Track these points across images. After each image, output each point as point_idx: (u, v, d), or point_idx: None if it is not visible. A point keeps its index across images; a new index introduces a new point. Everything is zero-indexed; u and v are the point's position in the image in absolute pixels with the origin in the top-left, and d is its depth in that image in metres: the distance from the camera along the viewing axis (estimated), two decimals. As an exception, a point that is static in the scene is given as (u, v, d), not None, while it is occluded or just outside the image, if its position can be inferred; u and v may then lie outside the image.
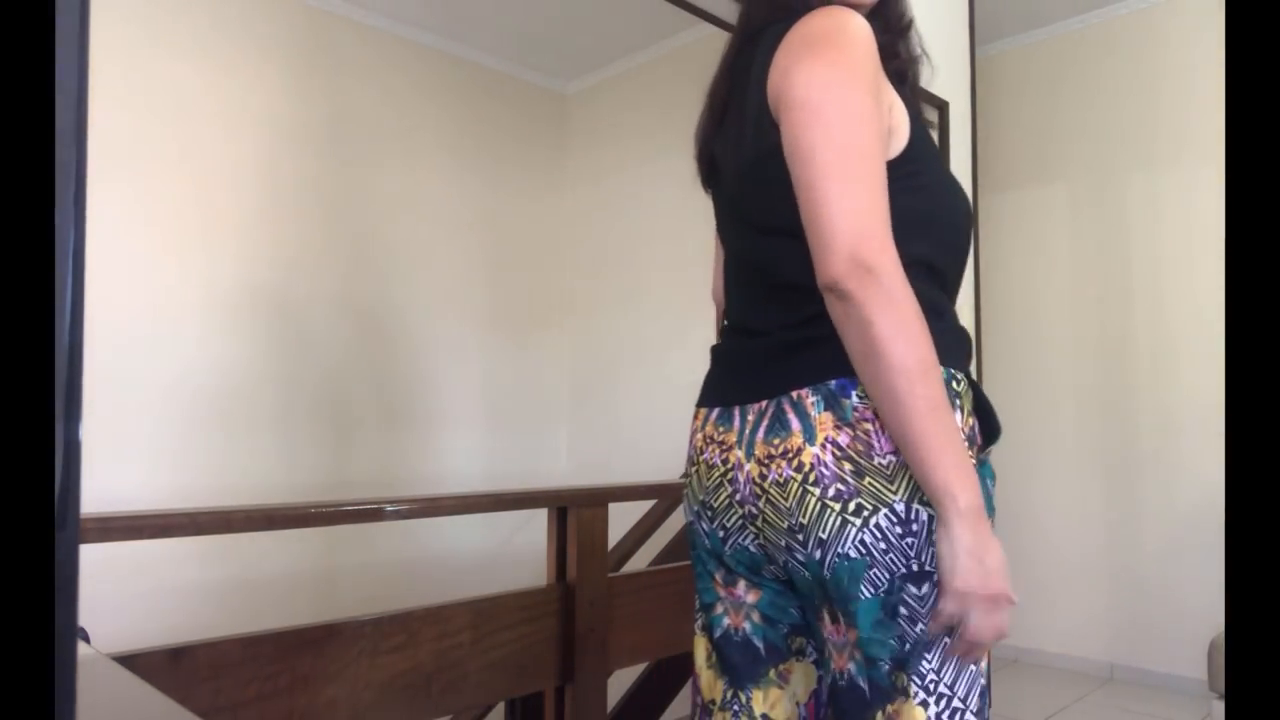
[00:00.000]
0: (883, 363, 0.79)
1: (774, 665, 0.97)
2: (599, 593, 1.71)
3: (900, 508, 0.83)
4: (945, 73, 2.83)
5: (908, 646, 0.82)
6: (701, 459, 0.97)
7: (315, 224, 3.47)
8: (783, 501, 0.87)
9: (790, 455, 0.86)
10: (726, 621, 0.99)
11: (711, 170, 1.06)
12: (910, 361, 0.79)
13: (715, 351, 1.04)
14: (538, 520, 1.83)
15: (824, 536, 0.85)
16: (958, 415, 0.87)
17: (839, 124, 0.83)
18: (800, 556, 0.87)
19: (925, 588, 0.82)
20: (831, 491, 0.84)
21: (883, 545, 0.82)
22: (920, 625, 0.82)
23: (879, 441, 0.84)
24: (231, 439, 3.19)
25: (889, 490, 0.83)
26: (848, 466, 0.84)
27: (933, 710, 0.82)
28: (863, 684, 0.85)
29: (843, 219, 0.80)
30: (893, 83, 0.94)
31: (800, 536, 0.86)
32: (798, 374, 0.87)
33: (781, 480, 0.87)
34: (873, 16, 0.96)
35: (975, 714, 0.84)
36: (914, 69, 1.04)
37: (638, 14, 3.65)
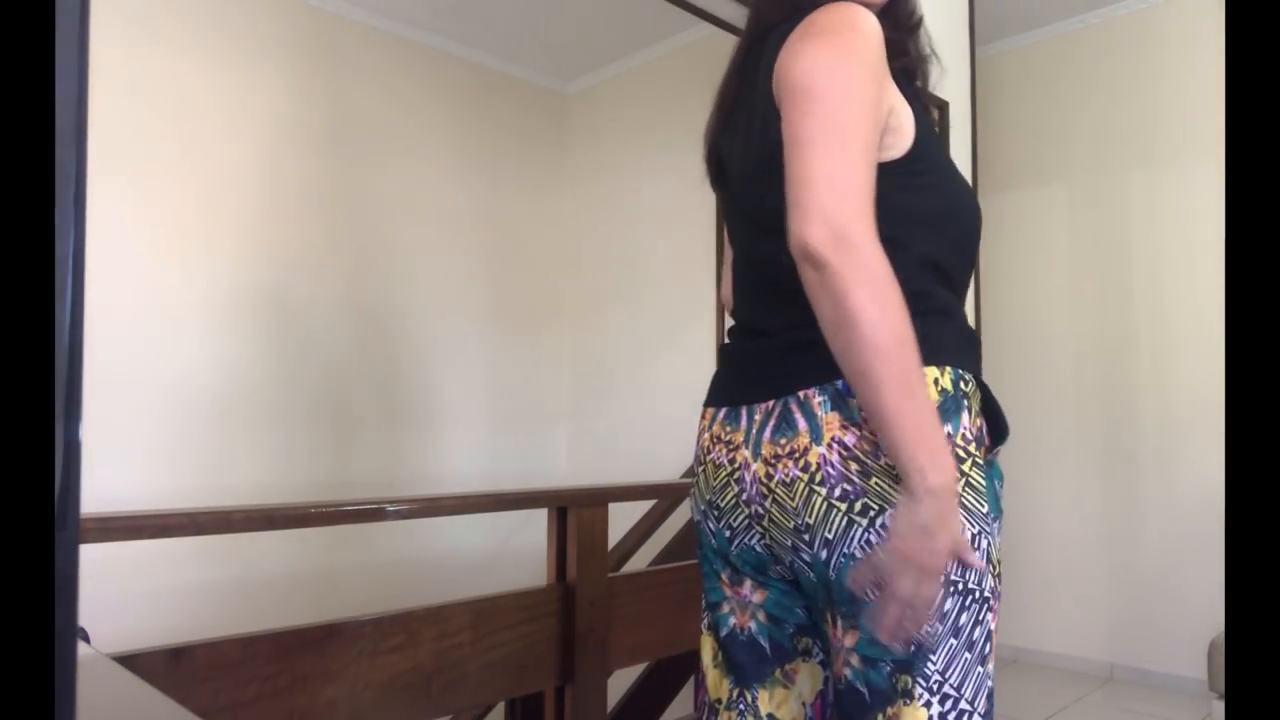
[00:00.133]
0: (855, 334, 0.77)
1: (779, 665, 0.97)
2: (599, 593, 1.71)
3: None
4: (945, 73, 2.84)
5: (912, 648, 0.82)
6: (709, 458, 0.97)
7: (316, 223, 3.47)
8: (789, 501, 0.87)
9: (797, 455, 0.86)
10: (732, 621, 0.99)
11: (719, 170, 1.06)
12: (884, 335, 0.77)
13: (723, 351, 1.04)
14: (538, 520, 1.83)
15: (830, 537, 0.84)
16: (965, 415, 0.86)
17: (831, 101, 0.82)
18: (806, 556, 0.87)
19: None
20: (838, 491, 0.84)
21: None
22: (925, 627, 0.81)
23: None
24: (232, 439, 3.19)
25: (895, 490, 0.82)
26: (854, 466, 0.83)
27: (936, 710, 0.81)
28: (861, 687, 0.84)
29: (822, 184, 0.79)
30: (901, 81, 0.94)
31: (806, 536, 0.86)
32: (804, 374, 0.87)
33: (788, 480, 0.87)
34: (883, 15, 0.96)
35: (983, 715, 0.83)
36: (924, 68, 1.03)
37: (638, 14, 3.65)
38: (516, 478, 4.04)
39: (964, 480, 0.84)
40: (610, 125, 4.22)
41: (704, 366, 3.56)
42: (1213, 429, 3.20)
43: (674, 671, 2.47)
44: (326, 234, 3.50)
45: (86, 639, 0.76)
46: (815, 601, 0.92)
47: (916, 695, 0.81)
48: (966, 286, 0.98)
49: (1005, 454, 0.94)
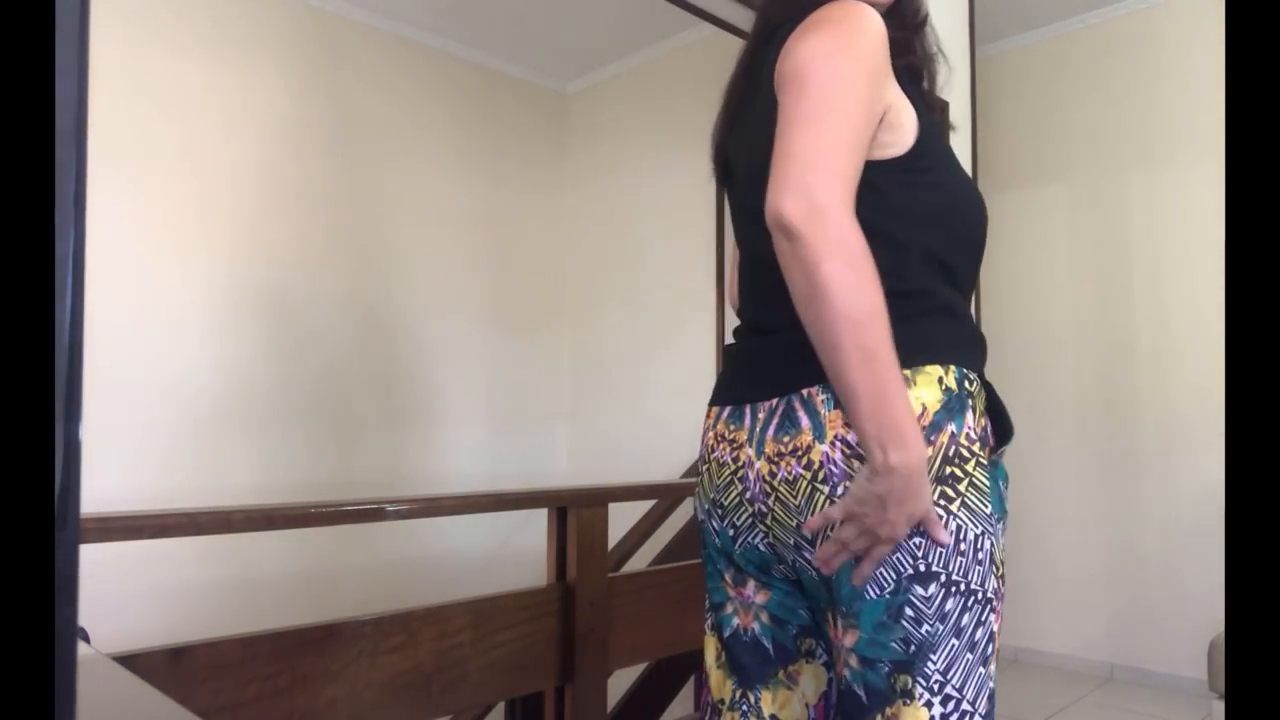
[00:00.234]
0: (825, 305, 0.77)
1: (783, 666, 0.97)
2: (599, 593, 1.71)
3: None
4: (945, 73, 2.83)
5: (913, 648, 0.82)
6: (713, 457, 0.97)
7: (316, 223, 3.47)
8: (792, 500, 0.87)
9: (800, 453, 0.86)
10: (736, 621, 0.99)
11: (726, 170, 1.06)
12: (855, 309, 0.76)
13: (728, 350, 1.04)
14: (538, 520, 1.83)
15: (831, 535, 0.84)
16: (970, 415, 0.86)
17: (821, 83, 0.83)
18: (808, 555, 0.87)
19: (932, 589, 0.82)
20: (840, 490, 0.83)
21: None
22: (926, 627, 0.81)
23: None
24: (232, 438, 3.19)
25: None
26: (857, 464, 0.83)
27: (938, 711, 0.81)
28: (859, 689, 0.84)
29: (801, 158, 0.79)
30: (905, 79, 0.94)
31: (809, 535, 0.86)
32: (808, 372, 0.87)
33: (791, 478, 0.87)
34: (888, 14, 0.96)
35: (984, 717, 0.83)
36: (930, 66, 1.04)
37: (637, 14, 3.64)
38: (517, 478, 4.04)
39: (968, 480, 0.84)
40: (610, 125, 4.22)
41: (704, 366, 3.56)
42: (1213, 428, 3.20)
43: (674, 671, 2.47)
44: (327, 234, 3.50)
45: (86, 639, 0.76)
46: (817, 601, 0.92)
47: (917, 695, 0.81)
48: (973, 283, 0.98)
49: (1006, 454, 0.94)
